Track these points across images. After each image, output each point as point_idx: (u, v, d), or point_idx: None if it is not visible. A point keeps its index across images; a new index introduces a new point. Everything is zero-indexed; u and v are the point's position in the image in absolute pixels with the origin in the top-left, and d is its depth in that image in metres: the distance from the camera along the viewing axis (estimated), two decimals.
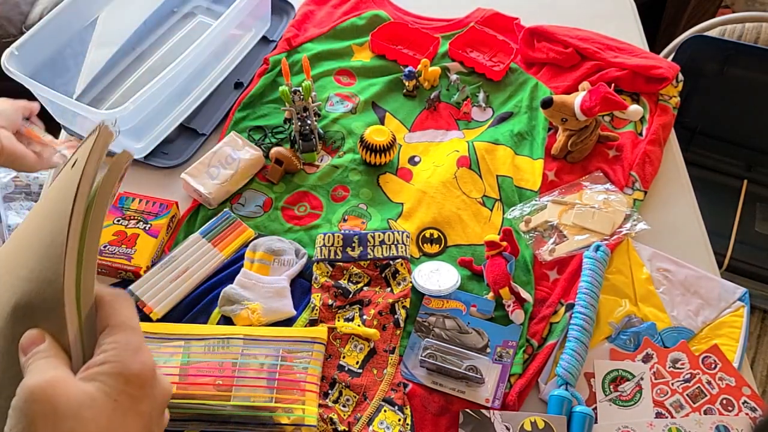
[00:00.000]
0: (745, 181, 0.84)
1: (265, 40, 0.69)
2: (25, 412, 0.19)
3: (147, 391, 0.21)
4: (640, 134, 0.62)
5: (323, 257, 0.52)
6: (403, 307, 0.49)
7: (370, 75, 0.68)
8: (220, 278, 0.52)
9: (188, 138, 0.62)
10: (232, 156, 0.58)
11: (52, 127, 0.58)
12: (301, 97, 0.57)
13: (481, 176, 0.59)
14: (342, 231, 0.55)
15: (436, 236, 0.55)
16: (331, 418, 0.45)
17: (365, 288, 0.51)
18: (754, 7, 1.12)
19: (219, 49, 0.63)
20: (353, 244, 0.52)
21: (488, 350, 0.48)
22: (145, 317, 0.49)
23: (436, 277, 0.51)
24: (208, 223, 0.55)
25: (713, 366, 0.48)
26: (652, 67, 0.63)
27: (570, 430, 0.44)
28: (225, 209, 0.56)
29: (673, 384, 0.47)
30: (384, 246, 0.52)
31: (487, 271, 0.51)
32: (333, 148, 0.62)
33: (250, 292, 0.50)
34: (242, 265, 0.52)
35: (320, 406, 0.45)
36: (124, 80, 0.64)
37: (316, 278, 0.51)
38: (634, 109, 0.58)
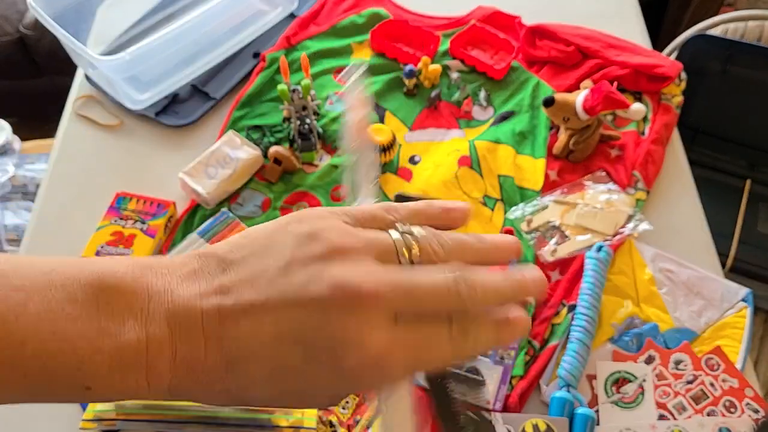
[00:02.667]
0: (749, 181, 0.83)
1: (291, 16, 0.70)
2: None
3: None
4: (643, 133, 0.62)
5: None
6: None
7: (369, 73, 0.67)
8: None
9: (200, 100, 0.64)
10: (230, 155, 0.57)
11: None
12: (300, 95, 0.57)
13: (482, 176, 0.58)
14: None
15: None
16: (330, 421, 0.44)
17: None
18: (756, 5, 1.11)
19: (241, 20, 0.65)
20: None
21: (489, 352, 0.48)
22: None
23: None
24: (206, 223, 0.54)
25: (716, 367, 0.47)
26: (654, 65, 0.62)
27: None
28: (223, 209, 0.56)
29: (675, 386, 0.47)
30: None
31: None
32: (332, 148, 0.61)
33: None
34: None
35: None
36: (147, 36, 0.66)
37: None
38: (637, 107, 0.58)
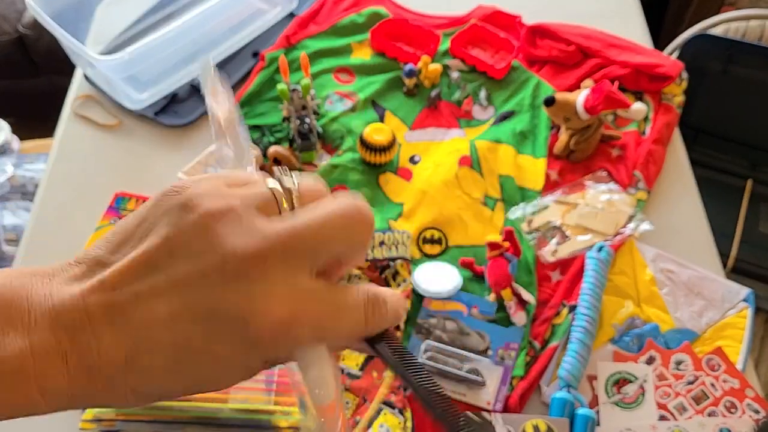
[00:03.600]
0: (750, 181, 0.83)
1: (291, 16, 0.70)
2: None
3: None
4: (644, 133, 0.61)
5: None
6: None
7: (369, 73, 0.67)
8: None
9: (199, 100, 0.64)
10: (230, 155, 0.57)
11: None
12: (300, 95, 0.56)
13: (482, 176, 0.58)
14: None
15: (437, 237, 0.54)
16: None
17: None
18: (757, 4, 1.11)
19: (240, 19, 0.65)
20: None
21: (489, 352, 0.47)
22: None
23: (437, 278, 0.51)
24: None
25: (717, 368, 0.47)
26: (655, 65, 0.62)
27: None
28: None
29: (676, 386, 0.47)
30: (384, 247, 0.52)
31: (488, 272, 0.51)
32: (332, 147, 0.61)
33: None
34: None
35: None
36: (146, 35, 0.65)
37: None
38: (638, 107, 0.58)
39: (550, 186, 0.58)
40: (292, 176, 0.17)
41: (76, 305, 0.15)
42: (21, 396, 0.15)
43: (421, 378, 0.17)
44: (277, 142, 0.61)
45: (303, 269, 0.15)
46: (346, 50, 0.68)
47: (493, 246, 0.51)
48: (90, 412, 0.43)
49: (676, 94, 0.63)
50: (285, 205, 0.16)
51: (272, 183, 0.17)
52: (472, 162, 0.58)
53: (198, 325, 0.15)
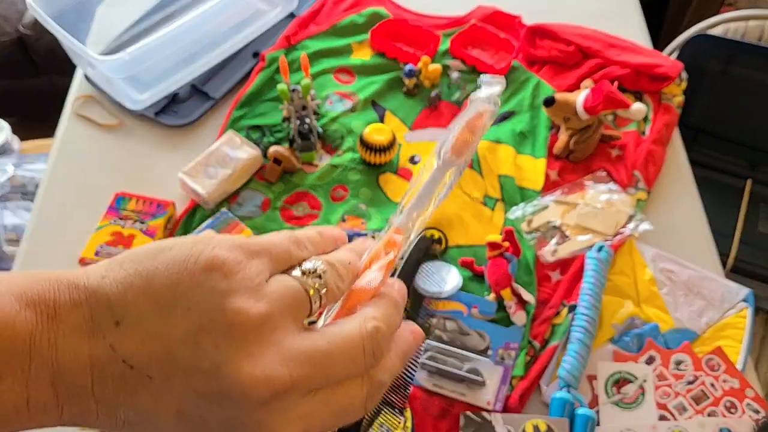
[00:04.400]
0: (749, 181, 0.83)
1: (291, 16, 0.70)
2: None
3: None
4: (643, 133, 0.62)
5: None
6: (404, 308, 0.49)
7: (369, 73, 0.67)
8: None
9: (199, 100, 0.64)
10: (230, 155, 0.57)
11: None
12: (300, 95, 0.57)
13: (482, 176, 0.58)
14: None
15: (436, 237, 0.54)
16: None
17: None
18: (757, 4, 1.11)
19: (241, 20, 0.65)
20: None
21: (489, 352, 0.47)
22: None
23: (437, 278, 0.51)
24: (205, 223, 0.54)
25: (717, 368, 0.47)
26: (655, 65, 0.62)
27: None
28: (223, 209, 0.55)
29: (676, 386, 0.47)
30: None
31: (488, 272, 0.51)
32: (332, 147, 0.61)
33: None
34: None
35: None
36: (147, 36, 0.65)
37: None
38: (637, 107, 0.58)
39: (549, 186, 0.58)
40: (317, 269, 0.17)
41: (82, 369, 0.14)
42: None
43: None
44: (278, 142, 0.61)
45: (315, 391, 0.16)
46: (346, 50, 0.69)
47: (493, 246, 0.51)
48: None
49: (675, 94, 0.64)
50: (317, 303, 0.17)
51: (303, 279, 0.17)
52: (471, 162, 0.58)
53: (203, 429, 0.15)
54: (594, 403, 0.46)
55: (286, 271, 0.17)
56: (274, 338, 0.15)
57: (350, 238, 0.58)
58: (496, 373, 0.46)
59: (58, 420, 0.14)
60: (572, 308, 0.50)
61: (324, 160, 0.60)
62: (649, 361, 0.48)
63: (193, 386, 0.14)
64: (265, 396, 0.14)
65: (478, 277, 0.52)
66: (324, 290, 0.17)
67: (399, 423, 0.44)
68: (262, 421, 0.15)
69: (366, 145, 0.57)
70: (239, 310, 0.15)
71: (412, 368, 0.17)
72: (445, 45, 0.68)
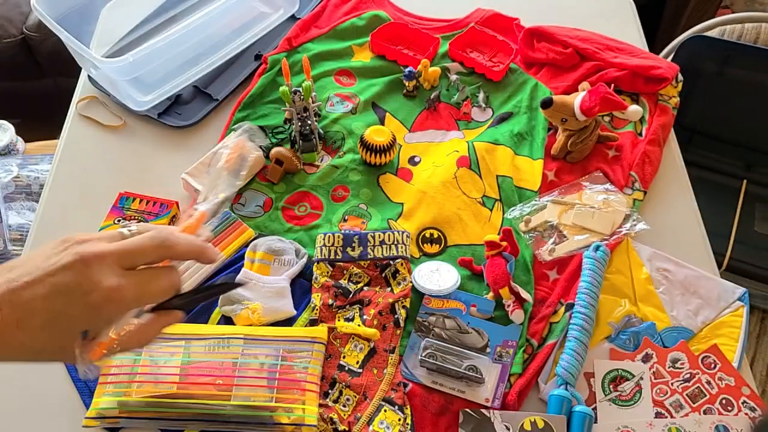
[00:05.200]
0: (745, 181, 0.83)
1: (293, 18, 0.71)
2: None
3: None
4: (640, 134, 0.62)
5: (323, 257, 0.52)
6: (403, 306, 0.50)
7: (370, 75, 0.68)
8: (221, 278, 0.52)
9: (202, 101, 0.65)
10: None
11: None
12: (302, 97, 0.57)
13: (481, 176, 0.59)
14: (342, 231, 0.55)
15: (436, 236, 0.55)
16: (331, 418, 0.45)
17: (365, 288, 0.51)
18: (753, 7, 1.12)
19: (243, 22, 0.66)
20: (353, 244, 0.52)
21: (488, 350, 0.48)
22: None
23: (436, 277, 0.51)
24: (208, 223, 0.55)
25: (713, 366, 0.48)
26: (651, 67, 0.63)
27: (570, 430, 0.44)
28: (225, 209, 0.56)
29: (672, 384, 0.47)
30: (384, 246, 0.52)
31: (487, 271, 0.51)
32: (333, 149, 0.62)
33: (251, 292, 0.50)
34: (242, 265, 0.52)
35: (320, 405, 0.45)
36: (150, 38, 0.66)
37: (316, 278, 0.51)
38: (634, 109, 0.58)
39: (547, 186, 0.59)
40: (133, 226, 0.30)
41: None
42: None
43: (200, 291, 0.32)
44: (279, 143, 0.61)
45: (127, 269, 0.28)
46: (347, 53, 0.69)
47: (491, 245, 0.51)
48: (93, 410, 0.44)
49: (671, 95, 0.64)
50: (126, 232, 0.30)
51: (122, 229, 0.30)
52: (470, 163, 0.59)
53: (62, 296, 0.26)
54: (591, 400, 0.47)
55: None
56: (93, 242, 0.28)
57: (350, 238, 0.59)
58: (494, 371, 0.47)
59: None
60: (570, 307, 0.50)
61: (325, 161, 0.61)
62: (646, 359, 0.48)
63: (49, 272, 0.26)
64: (87, 259, 0.27)
65: (477, 276, 0.53)
66: (133, 228, 0.30)
67: (399, 419, 0.44)
68: (89, 277, 0.26)
69: (366, 146, 0.58)
70: (70, 238, 0.28)
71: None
72: (444, 48, 0.69)
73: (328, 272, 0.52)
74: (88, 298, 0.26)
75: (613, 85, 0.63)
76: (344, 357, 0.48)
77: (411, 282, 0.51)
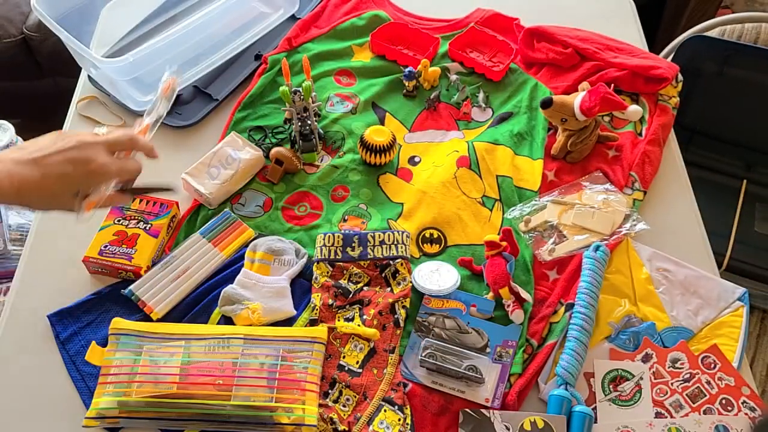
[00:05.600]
0: (745, 181, 0.84)
1: (293, 18, 0.71)
2: None
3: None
4: (640, 134, 0.62)
5: (323, 257, 0.52)
6: (403, 306, 0.50)
7: (370, 75, 0.68)
8: (221, 278, 0.52)
9: (202, 101, 0.65)
10: (233, 156, 0.58)
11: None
12: (302, 97, 0.57)
13: (480, 176, 0.59)
14: (342, 231, 0.55)
15: (436, 236, 0.55)
16: (331, 418, 0.45)
17: (365, 288, 0.51)
18: (753, 7, 1.12)
19: (243, 22, 0.66)
20: (353, 244, 0.52)
21: (488, 350, 0.48)
22: (145, 317, 0.50)
23: (436, 277, 0.51)
24: (208, 223, 0.55)
25: (713, 366, 0.48)
26: (651, 67, 0.63)
27: (570, 430, 0.44)
28: (225, 209, 0.56)
29: (672, 384, 0.47)
30: (384, 246, 0.52)
31: (486, 271, 0.51)
32: (333, 149, 0.62)
33: (251, 292, 0.50)
34: (242, 265, 0.52)
35: (320, 405, 0.45)
36: (150, 38, 0.66)
37: (316, 278, 0.51)
38: (634, 109, 0.58)
39: (547, 186, 0.59)
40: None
41: (4, 158, 0.40)
42: None
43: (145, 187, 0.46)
44: (279, 143, 0.61)
45: (115, 153, 0.43)
46: (347, 53, 0.69)
47: (491, 245, 0.51)
48: (93, 410, 0.44)
49: (671, 95, 0.64)
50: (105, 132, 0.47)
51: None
52: (470, 163, 0.59)
53: (70, 164, 0.40)
54: (591, 400, 0.47)
55: None
56: (89, 134, 0.43)
57: (350, 238, 0.59)
58: (494, 371, 0.47)
59: (9, 186, 0.39)
60: (569, 307, 0.50)
61: (325, 161, 0.61)
62: (646, 359, 0.48)
63: (59, 149, 0.40)
64: (85, 142, 0.41)
65: (477, 276, 0.53)
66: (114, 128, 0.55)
67: (399, 419, 0.44)
68: (89, 153, 0.41)
69: (366, 146, 0.58)
70: (71, 131, 0.47)
71: None
72: (444, 48, 0.69)
73: (328, 272, 0.52)
74: (88, 167, 0.41)
75: (613, 85, 0.63)
76: (344, 357, 0.48)
77: (411, 282, 0.51)
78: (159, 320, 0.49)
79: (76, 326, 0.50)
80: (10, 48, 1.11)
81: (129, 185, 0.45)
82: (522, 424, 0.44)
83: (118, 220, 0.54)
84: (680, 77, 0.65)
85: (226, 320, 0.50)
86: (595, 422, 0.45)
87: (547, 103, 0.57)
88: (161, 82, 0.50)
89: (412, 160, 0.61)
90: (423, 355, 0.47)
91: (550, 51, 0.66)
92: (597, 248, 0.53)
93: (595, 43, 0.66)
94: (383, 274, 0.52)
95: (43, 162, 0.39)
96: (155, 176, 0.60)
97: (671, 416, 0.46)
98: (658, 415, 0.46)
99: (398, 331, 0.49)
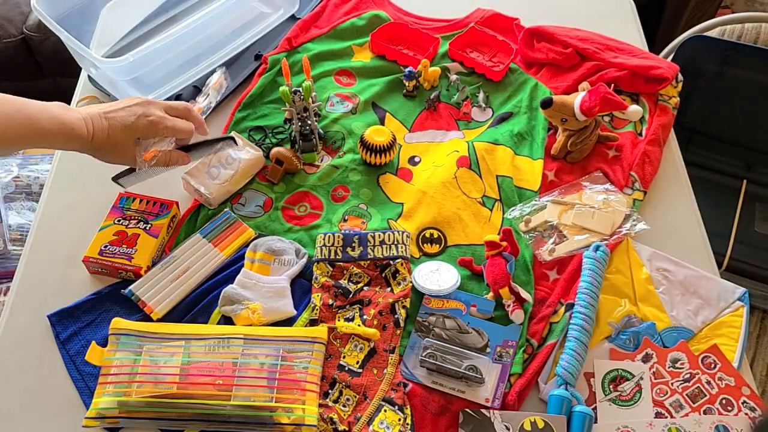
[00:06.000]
0: (745, 181, 0.84)
1: (293, 18, 0.71)
2: None
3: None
4: (640, 134, 0.62)
5: (323, 257, 0.52)
6: (403, 306, 0.50)
7: (370, 75, 0.68)
8: (221, 278, 0.52)
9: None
10: (233, 156, 0.58)
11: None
12: (302, 97, 0.57)
13: (480, 176, 0.59)
14: (342, 231, 0.55)
15: (436, 236, 0.55)
16: (331, 418, 0.45)
17: (365, 288, 0.51)
18: (753, 7, 1.12)
19: (243, 22, 0.67)
20: (353, 244, 0.52)
21: (488, 350, 0.48)
22: (145, 317, 0.50)
23: (436, 276, 0.51)
24: (208, 223, 0.55)
25: (713, 366, 0.48)
26: (651, 67, 0.63)
27: (570, 430, 0.44)
28: (225, 209, 0.56)
29: (672, 384, 0.47)
30: (384, 246, 0.52)
31: (486, 271, 0.51)
32: (333, 149, 0.62)
33: (251, 292, 0.50)
34: (243, 265, 0.52)
35: (320, 405, 0.45)
36: (150, 38, 0.66)
37: (316, 278, 0.52)
38: (634, 109, 0.58)
39: (547, 186, 0.59)
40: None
41: (96, 113, 0.50)
42: (76, 137, 0.48)
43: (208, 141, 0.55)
44: (279, 143, 0.61)
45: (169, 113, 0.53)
46: (347, 53, 0.69)
47: (491, 245, 0.51)
48: (93, 410, 0.44)
49: (672, 95, 0.64)
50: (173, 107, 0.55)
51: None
52: (470, 163, 0.59)
53: (134, 116, 0.50)
54: (591, 400, 0.47)
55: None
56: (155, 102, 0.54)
57: (350, 238, 0.59)
58: (494, 371, 0.47)
59: (88, 136, 0.49)
60: (570, 307, 0.50)
61: (325, 161, 0.61)
62: (646, 359, 0.48)
63: (131, 109, 0.51)
64: (148, 102, 0.52)
65: (477, 276, 0.53)
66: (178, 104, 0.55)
67: (399, 419, 0.44)
68: (149, 108, 0.51)
69: (366, 146, 0.58)
70: (144, 99, 0.53)
71: None
72: (444, 48, 0.69)
73: (328, 272, 0.52)
74: (149, 118, 0.50)
75: (613, 85, 0.63)
76: (344, 357, 0.48)
77: (411, 282, 0.51)
78: (159, 320, 0.49)
79: (76, 326, 0.50)
80: (10, 48, 1.11)
81: (185, 144, 0.53)
82: (522, 424, 0.44)
83: (118, 220, 0.54)
84: (680, 77, 0.65)
85: (226, 320, 0.50)
86: (595, 422, 0.45)
87: (547, 103, 0.57)
88: (212, 78, 0.61)
89: (412, 160, 0.61)
90: (423, 355, 0.47)
91: (550, 51, 0.66)
92: (597, 248, 0.53)
93: (595, 43, 0.66)
94: (383, 274, 0.52)
95: (111, 115, 0.49)
96: (155, 179, 0.60)
97: (671, 416, 0.46)
98: (658, 415, 0.46)
99: (398, 331, 0.49)
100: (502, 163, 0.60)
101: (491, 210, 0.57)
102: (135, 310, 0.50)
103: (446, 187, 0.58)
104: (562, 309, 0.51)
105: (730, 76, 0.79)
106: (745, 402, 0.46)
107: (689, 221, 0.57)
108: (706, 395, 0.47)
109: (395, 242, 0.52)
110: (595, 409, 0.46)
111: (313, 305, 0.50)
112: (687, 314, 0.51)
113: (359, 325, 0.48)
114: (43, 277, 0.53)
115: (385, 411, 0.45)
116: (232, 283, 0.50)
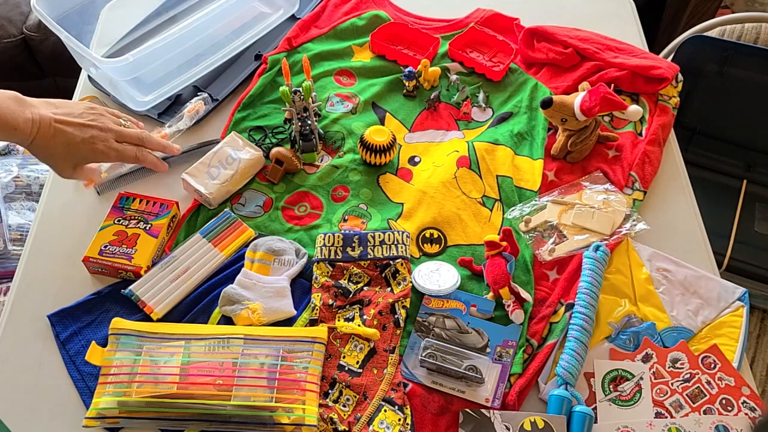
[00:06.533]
0: (745, 181, 0.84)
1: (293, 18, 0.71)
2: None
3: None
4: (640, 134, 0.62)
5: (323, 257, 0.52)
6: (403, 306, 0.50)
7: (370, 75, 0.68)
8: (221, 278, 0.52)
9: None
10: (233, 156, 0.58)
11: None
12: (302, 97, 0.57)
13: (480, 176, 0.59)
14: (342, 231, 0.55)
15: (436, 236, 0.55)
16: (331, 418, 0.45)
17: (365, 288, 0.51)
18: (753, 7, 1.12)
19: (243, 22, 0.67)
20: (353, 244, 0.52)
21: (488, 350, 0.48)
22: (145, 317, 0.50)
23: (436, 277, 0.51)
24: (208, 223, 0.55)
25: (713, 366, 0.48)
26: (651, 67, 0.63)
27: (570, 430, 0.44)
28: (225, 209, 0.56)
29: (672, 384, 0.47)
30: (384, 246, 0.52)
31: (486, 271, 0.51)
32: (333, 149, 0.62)
33: (251, 292, 0.50)
34: (242, 265, 0.52)
35: (320, 405, 0.45)
36: (150, 38, 0.66)
37: (316, 278, 0.52)
38: (634, 109, 0.58)
39: (547, 186, 0.59)
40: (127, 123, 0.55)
41: (47, 115, 0.49)
42: (17, 135, 0.47)
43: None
44: (279, 143, 0.61)
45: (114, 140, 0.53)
46: (347, 53, 0.69)
47: (491, 245, 0.51)
48: (94, 410, 0.44)
49: (672, 95, 0.64)
50: (124, 123, 0.55)
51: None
52: (470, 163, 0.59)
53: (81, 140, 0.50)
54: (591, 400, 0.47)
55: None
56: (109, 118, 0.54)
57: (350, 238, 0.59)
58: (494, 371, 0.47)
59: (28, 138, 0.48)
60: (569, 307, 0.50)
61: (325, 161, 0.61)
62: (646, 359, 0.48)
63: (82, 122, 0.50)
64: (101, 127, 0.51)
65: (477, 276, 0.53)
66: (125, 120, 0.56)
67: (399, 419, 0.44)
68: (99, 137, 0.50)
69: (366, 146, 0.58)
70: (97, 107, 0.53)
71: None
72: (444, 48, 0.69)
73: (328, 272, 0.52)
74: (94, 147, 0.49)
75: (613, 85, 0.63)
76: (344, 357, 0.48)
77: (411, 282, 0.51)
78: (159, 320, 0.49)
79: (76, 326, 0.50)
80: (10, 48, 1.11)
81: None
82: (522, 424, 0.44)
83: (118, 220, 0.54)
84: (680, 77, 0.65)
85: (226, 320, 0.50)
86: (595, 422, 0.45)
87: (547, 103, 0.57)
88: (189, 103, 0.60)
89: (412, 160, 0.61)
90: (423, 355, 0.47)
91: (550, 51, 0.66)
92: (597, 248, 0.53)
93: (595, 43, 0.66)
94: (383, 274, 0.52)
95: (61, 127, 0.48)
96: (154, 179, 0.60)
97: (671, 416, 0.46)
98: (658, 415, 0.46)
99: (398, 331, 0.49)
100: (502, 163, 0.60)
101: (491, 210, 0.57)
102: (135, 310, 0.50)
103: (446, 187, 0.58)
104: (562, 309, 0.51)
105: (730, 76, 0.79)
106: (745, 402, 0.46)
107: (689, 221, 0.57)
108: (706, 395, 0.47)
109: (395, 242, 0.52)
110: (595, 409, 0.46)
111: (313, 305, 0.50)
112: (687, 314, 0.51)
113: (359, 325, 0.48)
114: (43, 277, 0.53)
115: (385, 411, 0.45)
116: (232, 283, 0.50)
